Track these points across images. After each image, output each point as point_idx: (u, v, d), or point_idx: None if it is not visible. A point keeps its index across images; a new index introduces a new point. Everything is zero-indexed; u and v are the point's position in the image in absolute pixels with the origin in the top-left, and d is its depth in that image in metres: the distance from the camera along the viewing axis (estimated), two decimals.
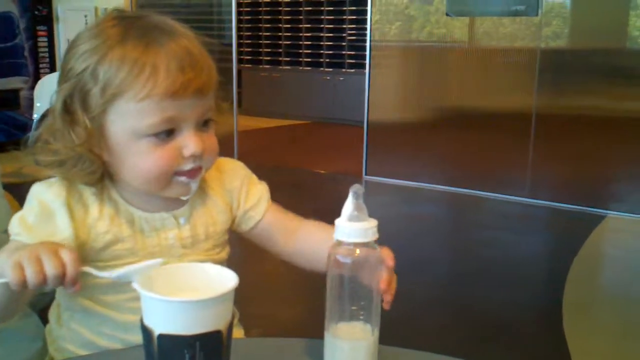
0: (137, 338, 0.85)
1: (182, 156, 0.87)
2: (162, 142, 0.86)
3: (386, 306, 0.81)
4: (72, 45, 0.89)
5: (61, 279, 0.73)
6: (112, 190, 0.92)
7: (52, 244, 0.77)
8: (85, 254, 0.89)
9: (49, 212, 0.88)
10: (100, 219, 0.90)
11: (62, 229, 0.87)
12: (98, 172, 0.90)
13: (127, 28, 0.87)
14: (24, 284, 0.73)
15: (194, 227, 0.96)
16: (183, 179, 0.89)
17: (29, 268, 0.73)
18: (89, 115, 0.86)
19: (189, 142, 0.86)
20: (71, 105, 0.87)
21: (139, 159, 0.87)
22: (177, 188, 0.90)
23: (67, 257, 0.74)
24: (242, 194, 1.02)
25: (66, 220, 0.87)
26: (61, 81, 0.88)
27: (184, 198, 0.92)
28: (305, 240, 1.04)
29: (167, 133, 0.86)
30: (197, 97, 0.86)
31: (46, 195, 0.89)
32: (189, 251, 0.95)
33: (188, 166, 0.88)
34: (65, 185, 0.90)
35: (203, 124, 0.89)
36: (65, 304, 0.96)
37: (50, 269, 0.73)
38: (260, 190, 1.05)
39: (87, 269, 0.78)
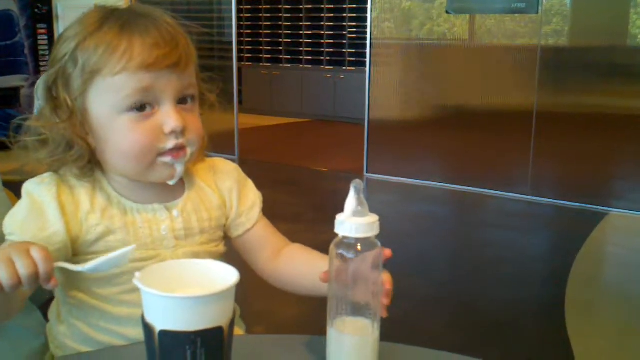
0: (133, 332, 0.87)
1: (163, 133, 0.88)
2: (142, 118, 0.87)
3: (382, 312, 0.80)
4: (58, 37, 0.93)
5: (35, 277, 0.73)
6: (104, 183, 0.93)
7: (23, 244, 0.76)
8: (78, 248, 0.89)
9: (39, 206, 0.88)
10: (92, 212, 0.90)
11: (53, 223, 0.88)
12: (85, 157, 0.91)
13: (106, 15, 0.90)
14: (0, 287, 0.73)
15: (187, 219, 0.96)
16: (167, 159, 0.89)
17: (2, 271, 0.72)
18: (71, 97, 0.88)
19: (167, 118, 0.87)
20: (55, 90, 0.89)
21: (121, 137, 0.88)
22: (161, 170, 0.90)
23: (37, 255, 0.73)
24: (234, 195, 1.02)
25: (57, 214, 0.88)
26: (48, 69, 0.91)
27: (170, 182, 0.92)
28: (287, 263, 1.03)
29: (147, 108, 0.87)
30: (173, 70, 0.87)
31: (37, 190, 0.90)
32: (183, 243, 0.95)
33: (170, 144, 0.88)
34: (56, 180, 0.91)
35: (183, 101, 0.90)
36: (63, 299, 0.96)
37: (23, 270, 0.72)
38: (254, 197, 1.05)
39: (60, 264, 0.78)
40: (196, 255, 0.95)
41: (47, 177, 0.91)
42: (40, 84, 0.91)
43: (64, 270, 0.90)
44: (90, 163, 0.92)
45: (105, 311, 0.92)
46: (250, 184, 1.06)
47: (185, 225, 0.95)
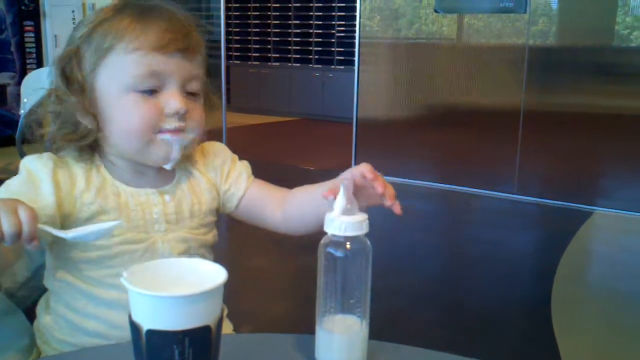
0: (120, 318, 0.86)
1: (164, 114, 0.91)
2: (147, 99, 0.91)
3: (397, 209, 0.85)
4: (76, 24, 0.98)
5: (18, 236, 0.74)
6: (101, 167, 0.96)
7: (11, 201, 0.77)
8: (70, 225, 0.90)
9: (34, 179, 0.91)
10: (87, 191, 0.92)
11: (45, 196, 0.89)
12: (89, 137, 0.93)
13: (122, 7, 0.95)
14: None
15: (178, 204, 0.98)
16: (166, 136, 0.92)
17: None
18: (82, 74, 0.92)
19: (171, 99, 0.91)
20: (69, 68, 0.93)
21: (124, 114, 0.91)
22: (159, 148, 0.92)
23: (24, 214, 0.75)
24: (225, 170, 1.05)
25: (50, 188, 0.90)
26: (64, 50, 0.95)
27: (167, 167, 0.95)
28: (290, 205, 1.05)
29: (152, 92, 0.91)
30: (182, 55, 0.92)
31: (33, 164, 0.92)
32: (174, 227, 0.97)
33: (171, 125, 0.92)
34: (54, 158, 0.93)
35: (189, 93, 0.94)
36: (51, 285, 0.97)
37: (8, 227, 0.74)
38: (240, 167, 1.07)
39: (44, 227, 0.79)
40: (186, 241, 0.97)
41: (45, 154, 0.94)
42: (55, 62, 0.94)
43: (57, 253, 0.94)
44: (91, 146, 0.95)
45: (94, 295, 0.93)
46: (235, 158, 1.09)
47: (177, 210, 0.98)
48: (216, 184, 1.04)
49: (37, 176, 0.91)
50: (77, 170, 0.94)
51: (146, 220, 0.95)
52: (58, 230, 0.80)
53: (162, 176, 0.99)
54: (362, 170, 0.87)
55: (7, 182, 0.91)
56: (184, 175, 1.01)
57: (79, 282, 0.94)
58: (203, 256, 1.01)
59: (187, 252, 0.98)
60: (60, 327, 0.96)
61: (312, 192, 1.01)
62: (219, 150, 1.07)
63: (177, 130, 0.92)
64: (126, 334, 0.91)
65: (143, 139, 0.92)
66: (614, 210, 4.25)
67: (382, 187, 0.86)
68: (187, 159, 1.02)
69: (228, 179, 1.05)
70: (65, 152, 0.95)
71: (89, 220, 0.91)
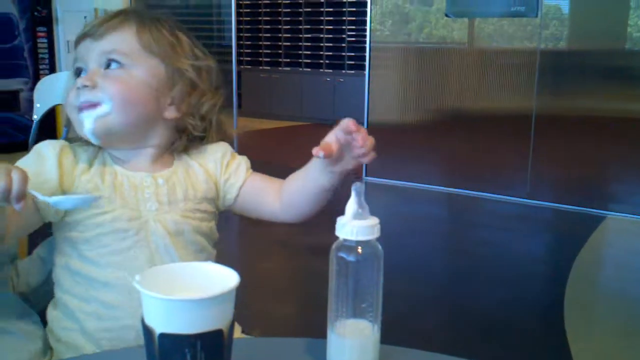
0: (115, 298, 0.96)
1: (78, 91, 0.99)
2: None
3: (365, 159, 0.91)
4: None
5: (7, 193, 0.78)
6: (105, 153, 1.03)
7: (5, 163, 0.81)
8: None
9: (41, 157, 0.98)
10: (87, 172, 0.99)
11: (48, 172, 0.96)
12: None
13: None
14: None
15: (172, 188, 1.02)
16: (79, 113, 0.99)
17: None
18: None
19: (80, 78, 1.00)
20: None
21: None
22: (80, 124, 1.00)
23: (16, 176, 0.79)
24: (224, 162, 1.08)
25: (55, 165, 0.97)
26: None
27: (93, 140, 0.99)
28: (286, 191, 1.07)
29: (81, 73, 1.01)
30: (92, 39, 1.01)
31: (43, 147, 1.00)
32: (166, 207, 1.00)
33: (80, 98, 0.98)
34: (62, 144, 1.01)
35: (108, 66, 1.00)
36: (57, 276, 1.01)
37: None
38: (239, 159, 1.10)
39: (32, 191, 0.83)
40: (177, 223, 1.00)
41: (56, 140, 1.02)
42: None
43: (59, 234, 1.01)
44: None
45: (91, 276, 0.97)
46: (235, 154, 1.12)
47: (169, 192, 1.01)
48: (215, 175, 1.07)
49: (44, 155, 0.98)
50: (82, 155, 1.01)
51: (138, 199, 0.99)
52: (43, 196, 0.84)
53: (160, 165, 1.04)
54: (343, 127, 0.90)
55: (18, 161, 0.96)
56: (182, 166, 1.05)
57: (77, 264, 0.98)
58: (200, 245, 1.03)
59: (181, 235, 1.00)
60: (64, 315, 1.00)
61: (303, 174, 1.04)
62: (220, 146, 1.10)
63: (87, 104, 0.98)
64: (120, 314, 0.95)
65: (72, 117, 1.01)
66: (627, 215, 4.22)
67: (362, 140, 0.89)
68: (187, 154, 1.07)
69: (228, 169, 1.08)
70: (78, 143, 1.03)
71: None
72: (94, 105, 0.98)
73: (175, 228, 1.00)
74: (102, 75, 0.99)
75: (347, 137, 0.91)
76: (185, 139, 1.06)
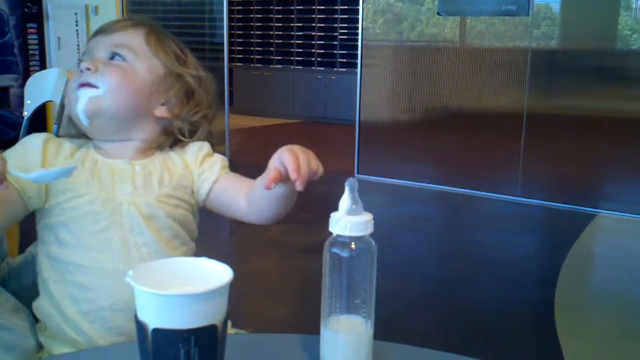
0: (90, 280, 0.98)
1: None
2: None
3: (297, 186, 0.89)
4: None
5: None
6: (90, 145, 1.08)
7: None
8: (50, 187, 1.00)
9: (26, 146, 1.03)
10: (69, 158, 1.04)
11: (33, 157, 1.00)
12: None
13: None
14: None
15: (148, 174, 1.05)
16: (77, 90, 1.04)
17: None
18: None
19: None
20: None
21: None
22: (73, 100, 1.05)
23: None
24: (200, 156, 1.10)
25: (39, 152, 1.01)
26: None
27: (78, 115, 1.03)
28: (250, 194, 1.07)
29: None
30: (102, 34, 1.09)
31: (29, 136, 1.06)
32: (140, 191, 1.03)
33: (81, 79, 1.04)
34: (49, 136, 1.05)
35: (112, 58, 1.06)
36: (39, 266, 1.04)
37: None
38: (216, 157, 1.12)
39: (13, 171, 0.85)
40: (151, 207, 1.02)
41: (43, 133, 1.06)
42: None
43: (40, 220, 1.03)
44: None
45: (69, 261, 1.00)
46: (212, 152, 1.14)
47: (145, 177, 1.05)
48: (191, 166, 1.09)
49: (29, 144, 1.03)
50: (67, 145, 1.06)
51: (114, 181, 1.03)
52: (23, 173, 0.85)
53: (143, 154, 1.08)
54: (284, 160, 0.91)
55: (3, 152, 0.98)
56: (161, 156, 1.09)
57: (55, 250, 1.01)
58: (174, 230, 1.05)
59: (155, 219, 1.02)
60: (46, 301, 1.02)
61: (263, 181, 1.03)
62: (200, 143, 1.12)
63: (82, 83, 1.03)
64: (94, 296, 0.98)
65: (70, 97, 1.07)
66: (617, 213, 4.24)
67: (294, 173, 0.89)
68: (165, 145, 1.11)
69: (203, 163, 1.10)
70: (67, 137, 1.09)
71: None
72: (90, 86, 1.03)
73: (149, 212, 1.02)
74: (105, 63, 1.05)
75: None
76: (172, 140, 1.11)
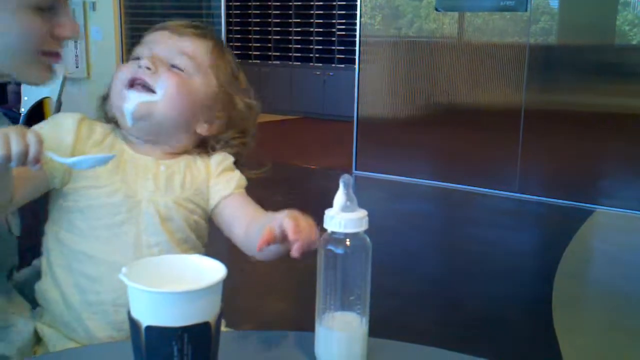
0: (98, 270, 0.98)
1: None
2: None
3: (294, 253, 0.81)
4: None
5: (24, 156, 0.79)
6: (119, 134, 1.06)
7: (21, 127, 0.82)
8: (73, 169, 0.98)
9: (59, 122, 1.02)
10: (99, 144, 1.03)
11: (65, 136, 0.99)
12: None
13: None
14: None
15: (171, 175, 1.04)
16: (130, 89, 1.01)
17: None
18: None
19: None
20: None
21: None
22: (120, 96, 1.02)
23: (32, 138, 0.80)
24: (221, 167, 1.08)
25: (73, 131, 1.00)
26: None
27: (123, 113, 1.01)
28: (248, 229, 1.02)
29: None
30: (174, 33, 1.05)
31: (61, 114, 1.05)
32: (162, 192, 1.02)
33: (137, 75, 1.01)
34: (82, 115, 1.05)
35: (172, 63, 1.04)
36: (46, 248, 1.03)
37: (16, 147, 0.79)
38: (237, 174, 1.09)
39: (49, 152, 0.84)
40: (169, 209, 1.01)
41: (77, 113, 1.05)
42: None
43: (55, 202, 1.02)
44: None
45: (79, 249, 0.99)
46: (235, 168, 1.11)
47: (168, 178, 1.03)
48: (210, 173, 1.07)
49: (63, 122, 1.02)
50: (99, 129, 1.05)
51: (138, 177, 1.02)
52: (60, 157, 0.86)
53: (168, 157, 1.06)
54: (284, 225, 0.84)
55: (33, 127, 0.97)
56: (187, 159, 1.07)
57: (66, 236, 1.00)
58: (187, 236, 1.04)
59: (171, 221, 1.01)
60: (51, 285, 1.01)
61: (260, 226, 0.93)
62: (225, 154, 1.11)
63: (138, 83, 1.02)
64: (100, 288, 0.98)
65: (115, 88, 1.05)
66: (615, 209, 4.25)
67: (295, 236, 0.82)
68: (193, 152, 1.08)
69: (221, 175, 1.07)
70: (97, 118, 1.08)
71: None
72: (146, 88, 1.01)
73: (167, 213, 1.01)
74: (166, 66, 1.02)
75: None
76: (201, 151, 1.09)
